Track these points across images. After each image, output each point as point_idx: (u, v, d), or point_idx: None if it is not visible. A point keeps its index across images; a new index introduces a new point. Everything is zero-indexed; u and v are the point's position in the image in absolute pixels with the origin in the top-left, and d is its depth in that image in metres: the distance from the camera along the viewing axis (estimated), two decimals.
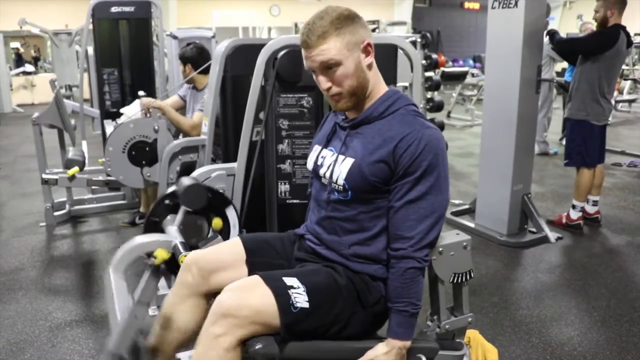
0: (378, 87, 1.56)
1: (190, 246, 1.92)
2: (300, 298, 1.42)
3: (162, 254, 1.58)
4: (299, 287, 1.44)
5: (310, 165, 1.69)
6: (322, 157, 1.64)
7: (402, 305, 1.46)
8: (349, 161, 1.52)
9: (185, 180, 2.09)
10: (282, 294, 1.41)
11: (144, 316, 1.60)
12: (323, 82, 1.49)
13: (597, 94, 3.76)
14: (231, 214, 2.26)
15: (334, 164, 1.56)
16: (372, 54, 1.51)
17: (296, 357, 1.44)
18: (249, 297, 1.40)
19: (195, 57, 3.63)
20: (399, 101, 1.54)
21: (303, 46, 1.48)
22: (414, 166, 1.43)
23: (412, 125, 1.47)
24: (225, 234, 2.23)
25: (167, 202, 2.18)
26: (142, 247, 1.94)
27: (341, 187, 1.53)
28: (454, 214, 4.29)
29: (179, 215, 2.08)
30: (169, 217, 2.16)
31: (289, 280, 1.45)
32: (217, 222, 2.20)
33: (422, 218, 1.45)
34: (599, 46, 3.70)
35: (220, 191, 2.34)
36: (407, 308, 1.46)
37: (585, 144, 3.89)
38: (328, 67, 1.46)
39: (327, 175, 1.58)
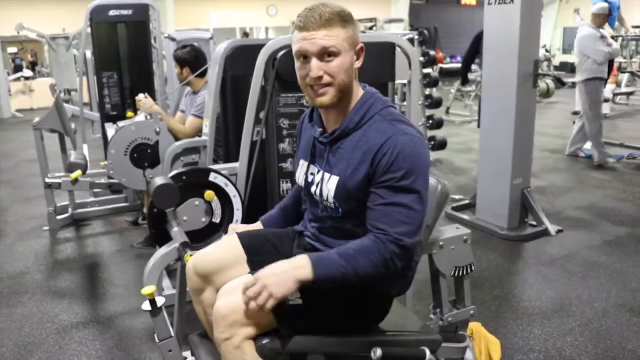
0: (357, 92, 1.52)
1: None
2: (292, 295, 1.40)
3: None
4: None
5: (301, 181, 1.65)
6: (311, 173, 1.60)
7: (341, 260, 1.36)
8: (334, 179, 1.49)
9: (157, 180, 2.10)
10: None
11: None
12: (316, 69, 1.41)
13: None
14: (218, 179, 2.31)
15: (321, 182, 1.54)
16: (361, 59, 1.50)
17: (301, 351, 1.46)
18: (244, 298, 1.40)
19: (193, 60, 3.65)
20: (374, 106, 1.49)
21: (303, 28, 1.41)
22: (389, 174, 1.39)
23: (387, 134, 1.42)
24: (227, 200, 2.31)
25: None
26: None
27: (332, 205, 1.51)
28: (454, 209, 4.31)
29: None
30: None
31: None
32: (209, 194, 2.24)
33: (398, 223, 1.38)
34: None
35: (191, 167, 2.36)
36: (343, 265, 1.36)
37: None
38: (325, 55, 1.41)
39: (318, 193, 1.56)
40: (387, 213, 1.39)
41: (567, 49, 19.50)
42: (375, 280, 1.43)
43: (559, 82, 4.14)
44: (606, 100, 7.70)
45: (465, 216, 4.19)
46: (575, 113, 8.85)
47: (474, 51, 5.65)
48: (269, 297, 1.32)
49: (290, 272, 1.35)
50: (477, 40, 5.33)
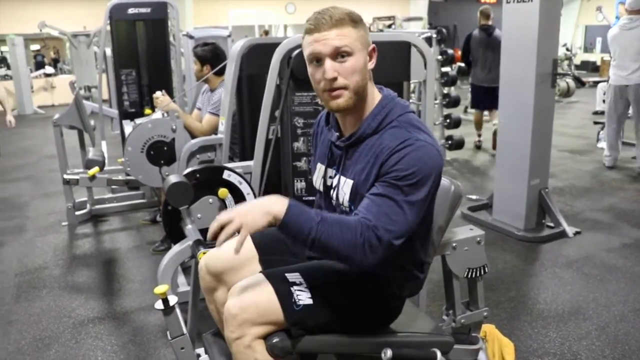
0: (373, 94, 1.49)
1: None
2: (303, 295, 1.42)
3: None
4: (301, 284, 1.44)
5: (319, 185, 1.64)
6: (330, 177, 1.59)
7: (317, 218, 1.31)
8: (349, 183, 1.47)
9: (171, 178, 2.11)
10: (284, 293, 1.42)
11: None
12: (330, 70, 1.38)
13: None
14: (232, 177, 2.31)
15: (338, 186, 1.52)
16: (374, 60, 1.47)
17: (311, 350, 1.47)
18: (254, 297, 1.42)
19: (214, 57, 3.66)
20: (393, 112, 1.46)
21: (314, 30, 1.39)
22: (392, 172, 1.36)
23: (399, 139, 1.38)
24: (241, 198, 2.34)
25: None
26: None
27: (347, 209, 1.50)
28: (470, 209, 4.28)
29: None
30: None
31: (292, 277, 1.46)
32: (222, 192, 2.26)
33: (384, 216, 1.33)
34: None
35: (205, 165, 2.38)
36: (315, 225, 1.30)
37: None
38: (339, 56, 1.38)
39: (334, 197, 1.55)
40: (376, 203, 1.35)
41: (588, 48, 19.22)
42: (337, 260, 1.38)
43: (579, 82, 4.09)
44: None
45: (481, 217, 4.16)
46: (597, 113, 8.73)
47: (467, 50, 6.41)
48: (240, 226, 1.29)
49: (265, 205, 1.31)
50: (468, 41, 6.37)
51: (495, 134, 6.27)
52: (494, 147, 6.00)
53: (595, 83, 9.67)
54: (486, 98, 6.34)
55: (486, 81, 6.25)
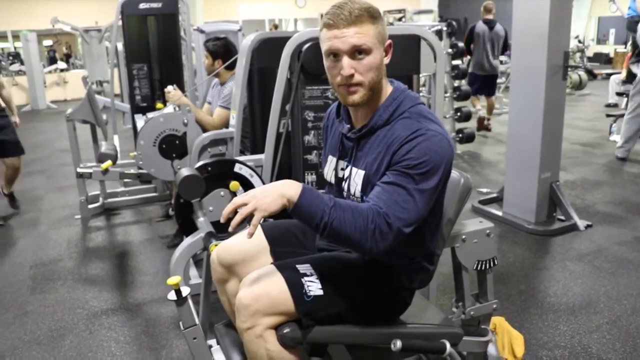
0: (386, 87, 1.51)
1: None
2: (313, 286, 1.44)
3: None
4: (312, 275, 1.46)
5: (330, 177, 1.65)
6: (341, 169, 1.60)
7: (330, 203, 1.33)
8: (361, 173, 1.49)
9: (183, 171, 2.13)
10: (295, 284, 1.43)
11: None
12: (347, 68, 1.40)
13: None
14: (243, 170, 2.33)
15: (350, 178, 1.54)
16: (389, 56, 1.48)
17: (322, 341, 1.48)
18: (266, 288, 1.43)
19: (226, 52, 3.67)
20: (404, 104, 1.48)
21: (332, 26, 1.39)
22: (403, 161, 1.37)
23: (411, 129, 1.40)
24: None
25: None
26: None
27: (359, 200, 1.50)
28: (481, 202, 4.27)
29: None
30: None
31: (303, 268, 1.48)
32: (234, 185, 2.28)
33: (394, 203, 1.35)
34: None
35: (216, 159, 2.40)
36: (328, 209, 1.32)
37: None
38: (357, 53, 1.40)
39: (346, 188, 1.56)
40: (387, 191, 1.37)
41: (601, 40, 19.00)
42: (347, 245, 1.40)
43: (590, 75, 4.05)
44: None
45: (492, 210, 4.15)
46: (609, 105, 8.65)
47: (470, 41, 6.86)
48: (254, 209, 1.31)
49: (279, 188, 1.34)
50: (471, 32, 6.83)
51: (480, 119, 7.27)
52: (478, 130, 7.11)
53: (608, 75, 9.58)
54: (486, 85, 7.06)
55: (486, 70, 6.88)
